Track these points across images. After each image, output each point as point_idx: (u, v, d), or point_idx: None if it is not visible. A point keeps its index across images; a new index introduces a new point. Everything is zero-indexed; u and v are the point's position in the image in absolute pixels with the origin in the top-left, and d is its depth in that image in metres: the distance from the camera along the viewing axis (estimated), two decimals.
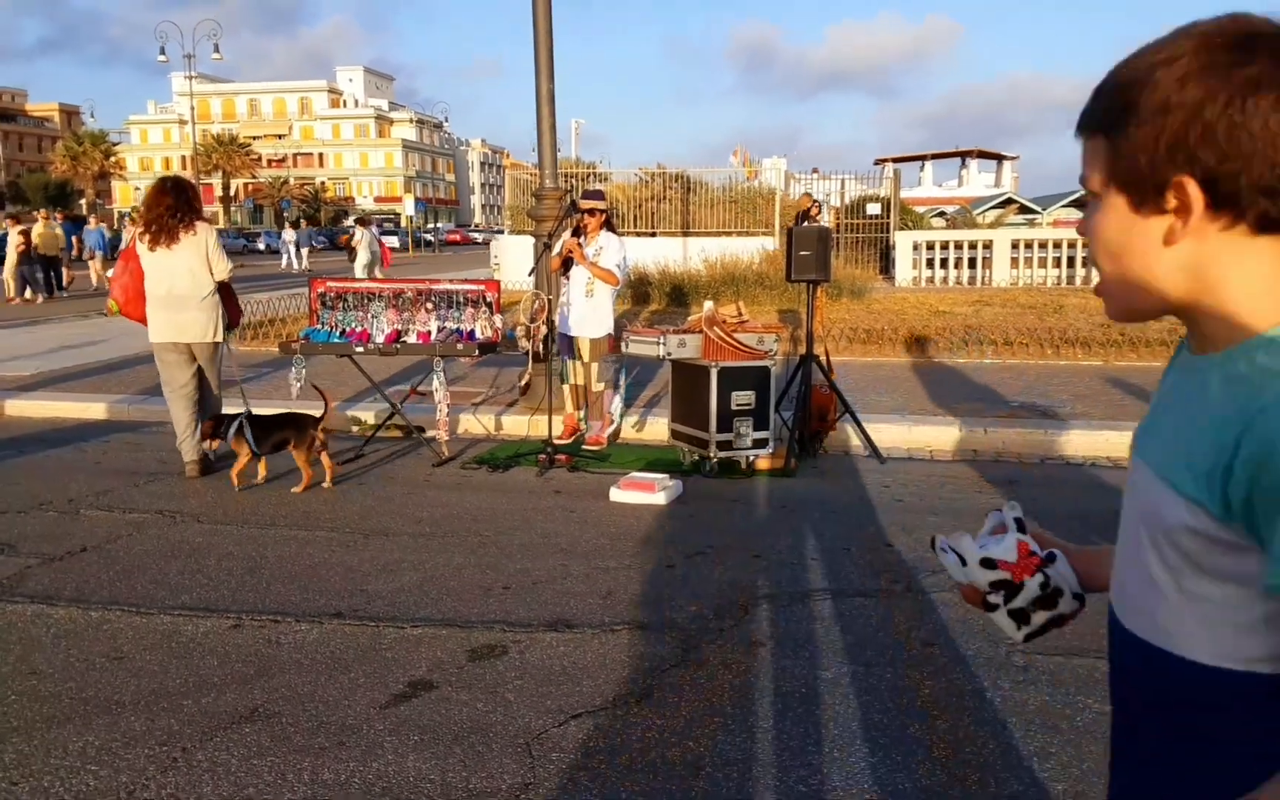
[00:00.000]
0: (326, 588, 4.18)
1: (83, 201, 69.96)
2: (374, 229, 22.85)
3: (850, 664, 3.39)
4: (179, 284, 6.14)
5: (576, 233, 6.80)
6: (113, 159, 72.54)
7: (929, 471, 6.19)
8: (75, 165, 68.82)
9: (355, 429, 7.52)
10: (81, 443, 7.21)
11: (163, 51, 40.24)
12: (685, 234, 19.48)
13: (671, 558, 4.54)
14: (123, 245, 6.52)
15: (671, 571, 4.36)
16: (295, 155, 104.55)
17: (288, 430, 5.94)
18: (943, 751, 2.82)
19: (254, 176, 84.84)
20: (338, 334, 6.92)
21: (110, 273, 7.92)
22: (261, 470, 5.97)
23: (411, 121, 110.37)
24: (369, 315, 6.99)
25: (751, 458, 6.14)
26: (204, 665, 3.41)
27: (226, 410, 6.30)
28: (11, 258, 19.53)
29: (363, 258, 20.90)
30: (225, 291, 6.43)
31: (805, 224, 7.03)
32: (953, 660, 3.42)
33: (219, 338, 6.38)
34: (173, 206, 6.14)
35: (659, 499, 5.46)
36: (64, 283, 21.43)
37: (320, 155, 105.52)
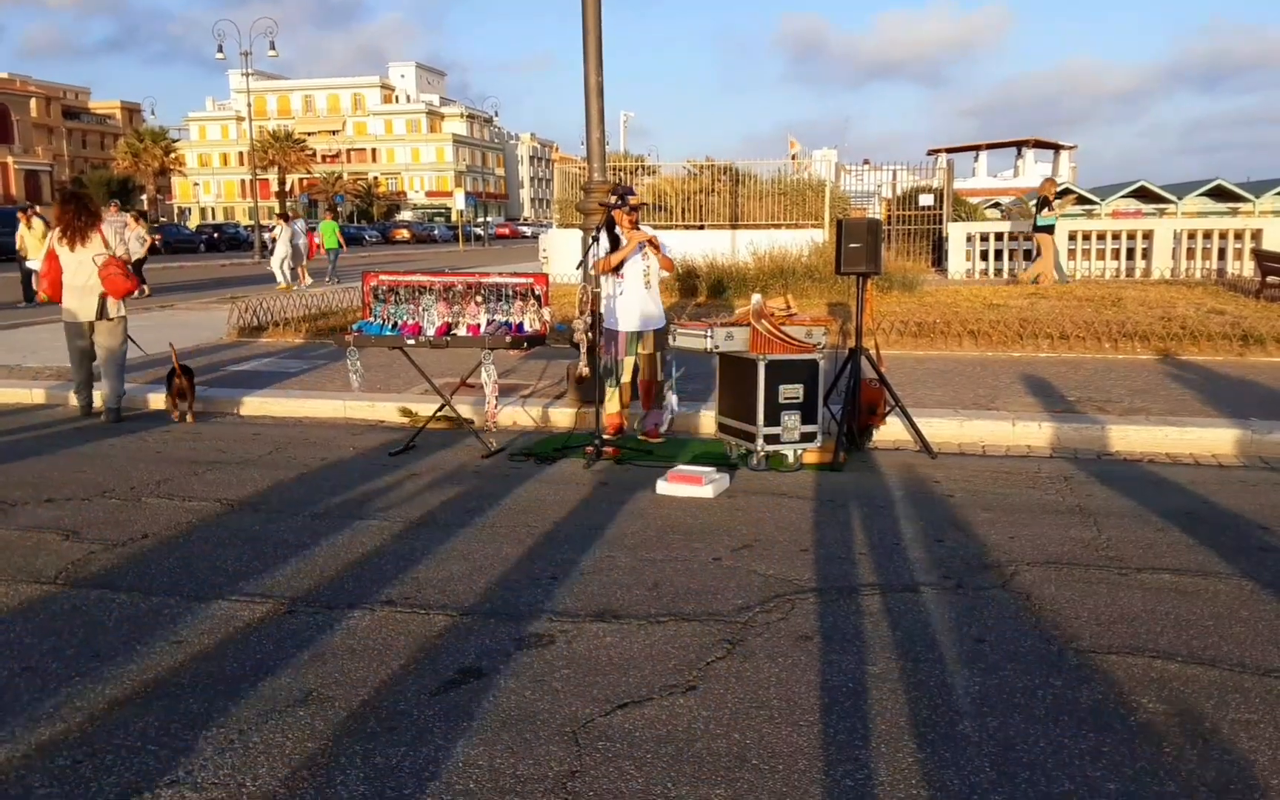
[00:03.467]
0: (378, 575, 4.25)
1: (144, 197, 71.76)
2: (298, 225, 23.56)
3: (899, 659, 3.36)
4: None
5: (610, 227, 6.79)
6: (172, 155, 74.33)
7: (981, 467, 6.10)
8: (136, 162, 70.69)
9: (406, 421, 7.62)
10: (144, 432, 7.40)
11: (220, 49, 41.01)
12: (734, 227, 19.40)
13: (718, 551, 4.54)
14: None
15: (718, 564, 4.36)
16: (349, 151, 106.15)
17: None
18: (993, 749, 2.79)
19: (309, 172, 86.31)
20: (390, 327, 7.01)
21: None
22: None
23: (462, 116, 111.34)
24: (420, 308, 7.07)
25: (799, 451, 6.10)
26: (260, 650, 3.49)
27: None
28: None
29: (280, 251, 21.54)
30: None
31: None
32: (1004, 657, 3.38)
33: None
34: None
35: (706, 492, 5.45)
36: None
37: (373, 150, 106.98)
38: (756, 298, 6.37)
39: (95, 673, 3.33)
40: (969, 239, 19.49)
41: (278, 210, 27.09)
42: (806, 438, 6.08)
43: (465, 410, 7.28)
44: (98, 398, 8.03)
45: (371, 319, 7.10)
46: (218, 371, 9.53)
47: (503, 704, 3.08)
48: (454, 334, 6.82)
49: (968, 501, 5.29)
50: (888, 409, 6.60)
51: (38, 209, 20.17)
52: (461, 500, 5.45)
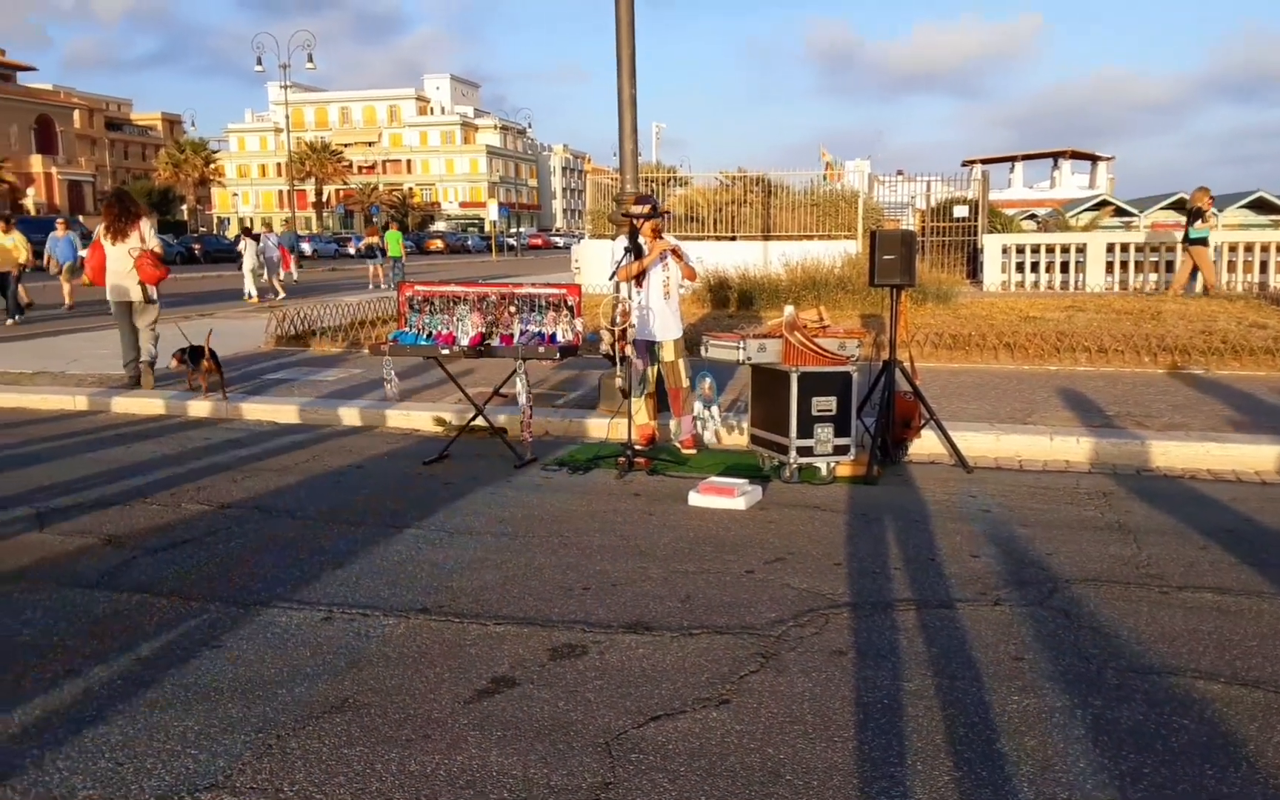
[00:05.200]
0: (413, 583, 4.28)
1: (184, 207, 73.01)
2: (270, 239, 24.58)
3: (935, 676, 3.33)
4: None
5: (633, 237, 6.80)
6: (212, 166, 75.58)
7: (1018, 482, 6.03)
8: (177, 172, 71.97)
9: (440, 430, 7.68)
10: (185, 437, 7.52)
11: (260, 62, 41.77)
12: (766, 238, 19.36)
13: (751, 563, 4.52)
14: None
15: (751, 577, 4.34)
16: (384, 162, 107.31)
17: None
18: (1030, 769, 2.75)
19: (345, 183, 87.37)
20: (425, 337, 7.07)
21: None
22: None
23: (496, 128, 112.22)
24: (454, 318, 7.12)
25: (832, 464, 6.07)
26: (297, 656, 3.53)
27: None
28: None
29: (248, 262, 22.33)
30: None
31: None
32: (1042, 676, 3.33)
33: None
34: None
35: (738, 504, 5.44)
36: (20, 305, 17.04)
37: (408, 161, 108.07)
38: (789, 310, 6.35)
39: (136, 676, 3.38)
40: (1005, 251, 19.30)
41: (244, 228, 28.17)
42: (840, 450, 6.05)
43: (498, 420, 7.32)
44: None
45: (407, 328, 7.16)
46: (256, 379, 9.66)
47: (536, 714, 3.09)
48: (488, 344, 6.86)
49: (1004, 517, 5.23)
50: (922, 422, 6.55)
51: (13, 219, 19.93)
52: (494, 509, 5.48)
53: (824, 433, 5.99)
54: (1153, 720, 3.02)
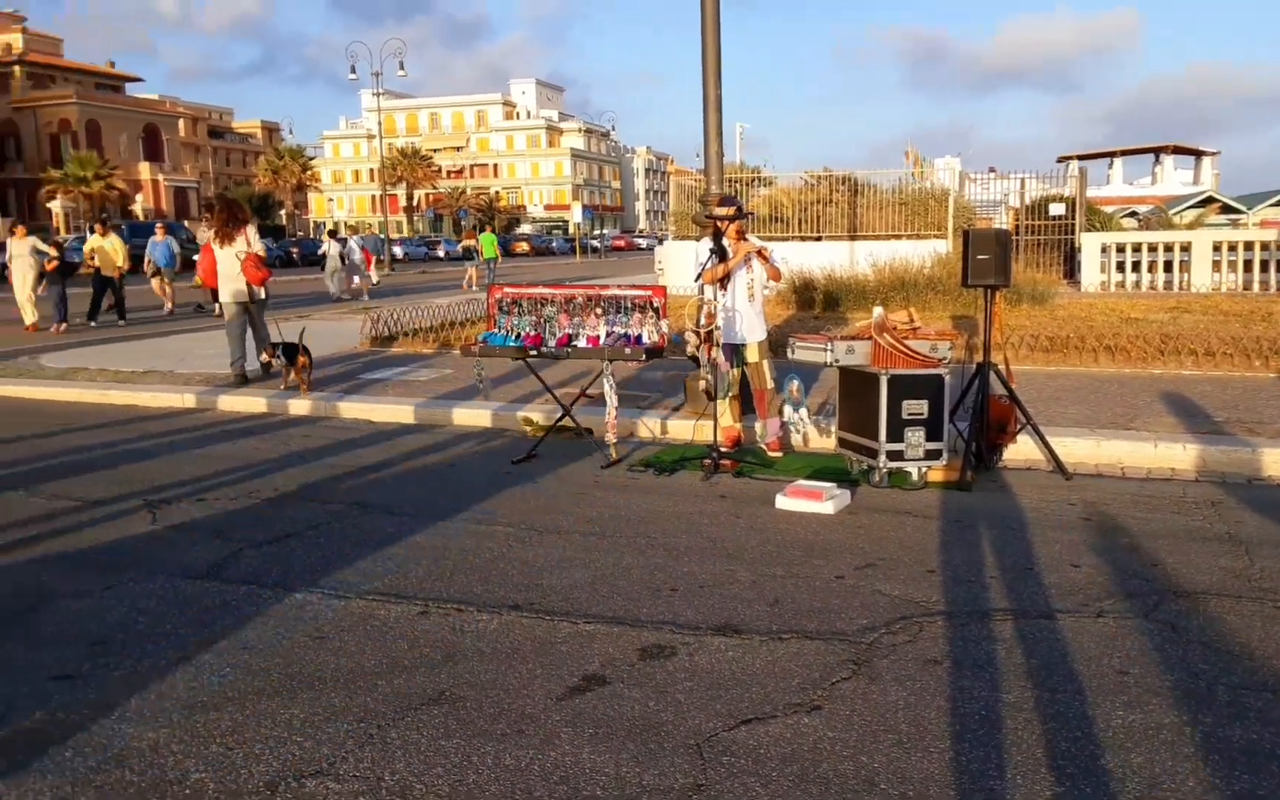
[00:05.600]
0: (505, 580, 4.36)
1: (282, 212, 75.59)
2: (354, 241, 25.12)
3: (1035, 688, 3.24)
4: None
5: (717, 238, 6.79)
6: (309, 172, 78.12)
7: (1120, 490, 5.82)
8: (276, 178, 74.59)
9: (528, 430, 7.79)
10: (286, 435, 7.80)
11: (353, 70, 42.90)
12: (852, 238, 19.11)
13: (840, 568, 4.47)
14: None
15: (841, 582, 4.30)
16: (472, 166, 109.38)
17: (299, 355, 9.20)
18: (1137, 787, 2.66)
19: (434, 187, 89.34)
20: (513, 338, 7.19)
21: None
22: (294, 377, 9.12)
23: (580, 131, 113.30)
24: (542, 320, 7.22)
25: (924, 469, 5.96)
26: (395, 648, 3.64)
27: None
28: (24, 276, 16.01)
29: (330, 266, 23.02)
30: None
31: None
32: (1149, 690, 3.21)
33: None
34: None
35: (827, 508, 5.39)
36: (115, 304, 17.58)
37: (495, 165, 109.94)
38: (878, 311, 6.26)
39: (244, 664, 3.53)
40: (1104, 250, 18.64)
41: (328, 229, 29.24)
42: (931, 455, 5.93)
43: (584, 420, 7.39)
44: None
45: (496, 330, 7.29)
46: (352, 379, 9.95)
47: (627, 712, 3.12)
48: (574, 345, 6.94)
49: (1106, 526, 5.06)
50: (1018, 427, 6.37)
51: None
52: (582, 509, 5.54)
53: (915, 437, 5.88)
54: (1268, 740, 2.88)
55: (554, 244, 73.82)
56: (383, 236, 42.54)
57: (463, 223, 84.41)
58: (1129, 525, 5.05)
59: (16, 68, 70.32)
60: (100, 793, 2.71)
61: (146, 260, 19.96)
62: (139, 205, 64.87)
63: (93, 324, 16.94)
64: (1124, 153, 39.01)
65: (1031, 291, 13.95)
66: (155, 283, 19.78)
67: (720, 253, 6.72)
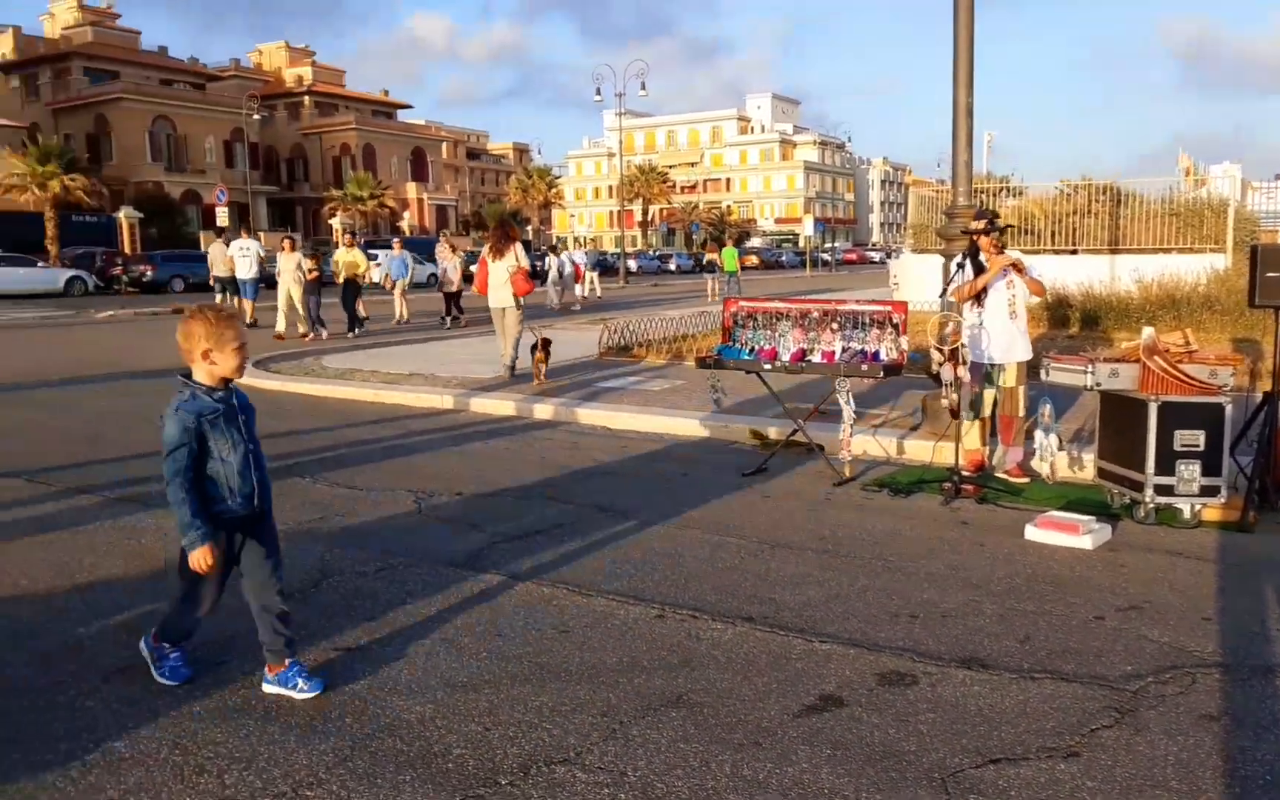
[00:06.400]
0: (738, 592, 4.40)
1: (528, 228, 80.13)
2: (565, 256, 27.33)
3: None
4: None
5: (974, 254, 6.48)
6: (554, 190, 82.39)
7: None
8: (525, 196, 79.24)
9: (757, 443, 7.81)
10: (531, 437, 8.26)
11: (598, 92, 44.80)
12: (1113, 251, 17.69)
13: (1100, 608, 4.16)
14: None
15: (1101, 623, 3.99)
16: (705, 181, 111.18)
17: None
18: None
19: (668, 202, 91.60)
20: (747, 352, 7.24)
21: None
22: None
23: (814, 143, 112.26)
24: (776, 334, 7.22)
25: (1197, 506, 5.42)
26: (635, 648, 3.77)
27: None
28: (289, 287, 17.01)
29: (551, 278, 23.82)
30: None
31: None
32: None
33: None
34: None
35: (1084, 542, 5.02)
36: (358, 317, 18.20)
37: (728, 180, 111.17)
38: (1148, 331, 5.77)
39: (498, 650, 3.78)
40: None
41: (552, 242, 31.12)
42: (1207, 491, 5.38)
43: (817, 436, 7.31)
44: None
45: (730, 343, 7.37)
46: (589, 387, 10.39)
47: (866, 737, 3.06)
48: (809, 361, 6.88)
49: None
50: None
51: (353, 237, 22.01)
52: (814, 526, 5.49)
53: (1188, 470, 5.36)
54: None
55: (783, 257, 73.53)
56: (616, 251, 44.12)
57: (694, 236, 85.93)
58: None
59: (306, 98, 79.04)
60: (374, 758, 2.99)
61: (384, 274, 21.36)
62: (405, 221, 70.90)
63: (351, 334, 17.63)
64: None
65: None
66: (395, 293, 20.89)
67: (977, 267, 6.46)
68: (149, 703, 3.35)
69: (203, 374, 3.30)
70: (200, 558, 3.21)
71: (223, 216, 28.03)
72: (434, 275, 27.59)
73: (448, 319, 19.87)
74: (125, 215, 47.74)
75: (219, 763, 2.96)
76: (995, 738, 3.04)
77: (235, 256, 19.76)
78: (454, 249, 21.05)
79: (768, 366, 7.03)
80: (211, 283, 22.16)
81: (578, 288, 27.31)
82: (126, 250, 43.64)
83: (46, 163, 43.65)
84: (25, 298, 30.10)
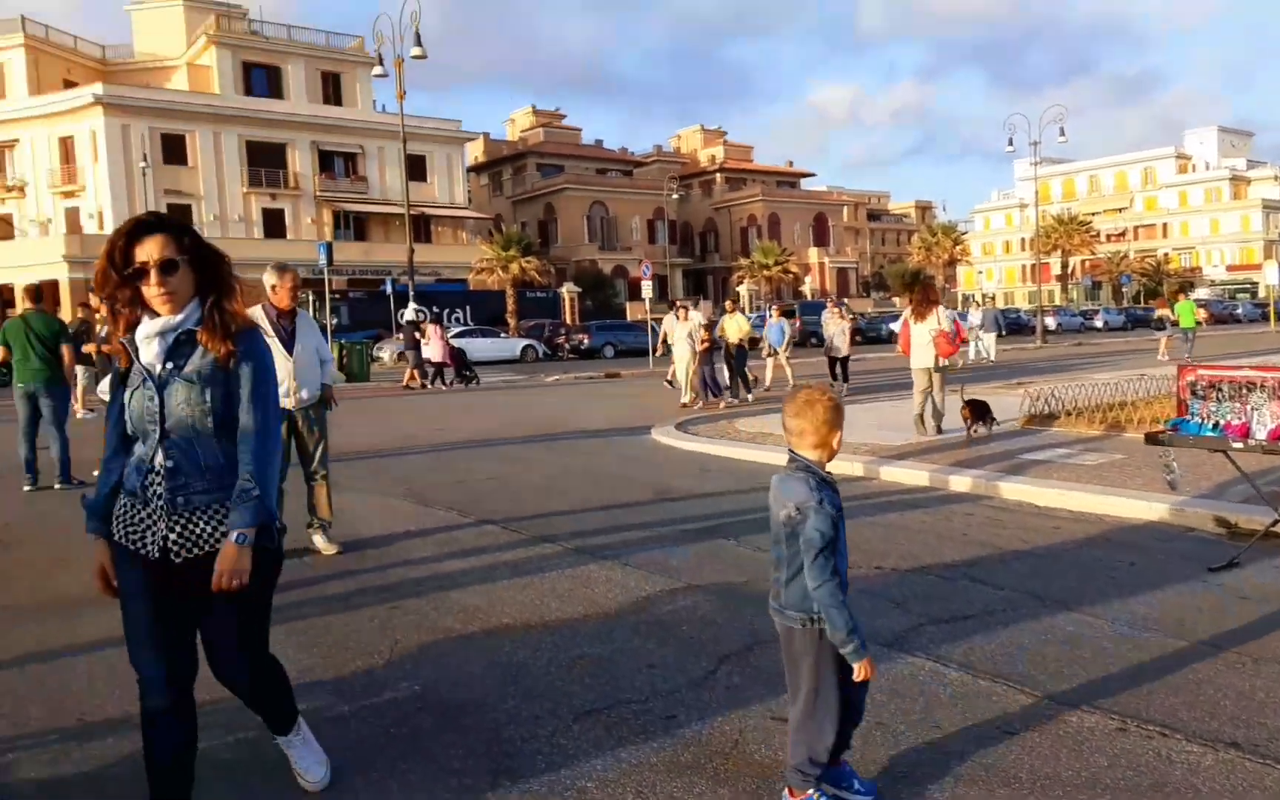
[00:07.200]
0: (1216, 710, 3.84)
1: (935, 285, 78.06)
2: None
3: None
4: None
5: None
6: (959, 246, 79.49)
7: None
8: (928, 254, 77.38)
9: (1223, 532, 6.80)
10: (948, 511, 7.94)
11: (1010, 142, 42.56)
12: None
13: None
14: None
15: None
16: (1135, 228, 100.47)
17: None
18: None
19: (1092, 253, 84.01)
20: (1210, 427, 6.37)
21: None
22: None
23: (1274, 179, 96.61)
24: (1249, 407, 6.27)
25: None
26: (1094, 762, 3.43)
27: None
28: (681, 357, 17.40)
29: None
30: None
31: None
32: None
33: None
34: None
35: None
36: (731, 375, 18.29)
37: (1163, 225, 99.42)
38: None
39: (937, 745, 3.64)
40: None
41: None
42: None
43: None
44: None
45: (1189, 417, 6.53)
46: (1011, 458, 9.77)
47: None
48: None
49: None
50: None
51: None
52: None
53: None
54: None
55: (1239, 310, 63.78)
56: (1030, 309, 41.13)
57: (1123, 288, 77.76)
58: None
59: (718, 175, 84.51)
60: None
61: (763, 341, 21.06)
62: (807, 285, 72.55)
63: (734, 400, 17.70)
64: None
65: None
66: (770, 362, 20.66)
67: None
68: (612, 749, 3.70)
69: (817, 457, 3.05)
70: (866, 668, 2.93)
71: (646, 288, 30.74)
72: (817, 334, 27.38)
73: (835, 383, 19.22)
74: (567, 290, 54.72)
75: None
76: None
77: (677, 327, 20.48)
78: (843, 315, 20.19)
79: (1239, 445, 6.11)
80: (660, 350, 22.23)
81: (971, 349, 25.80)
82: (568, 321, 49.92)
83: (509, 248, 51.97)
84: (491, 363, 35.33)
